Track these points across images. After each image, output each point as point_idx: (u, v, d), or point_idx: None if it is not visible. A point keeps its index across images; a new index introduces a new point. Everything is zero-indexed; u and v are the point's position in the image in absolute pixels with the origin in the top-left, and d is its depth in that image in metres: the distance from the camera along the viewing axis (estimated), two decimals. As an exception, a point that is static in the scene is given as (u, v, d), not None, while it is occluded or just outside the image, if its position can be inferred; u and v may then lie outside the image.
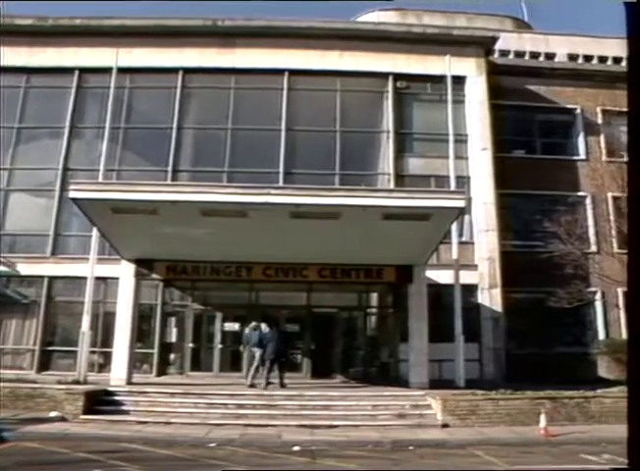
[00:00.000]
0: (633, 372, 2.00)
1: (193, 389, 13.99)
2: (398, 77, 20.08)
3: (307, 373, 17.68)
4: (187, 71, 19.82)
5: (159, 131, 19.54)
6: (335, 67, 19.68)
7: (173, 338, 18.50)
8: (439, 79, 19.71)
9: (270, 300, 18.60)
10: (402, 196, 12.04)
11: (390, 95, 20.02)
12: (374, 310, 20.05)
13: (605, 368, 19.95)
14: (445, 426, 12.42)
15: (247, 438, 10.95)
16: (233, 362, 17.96)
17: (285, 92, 19.77)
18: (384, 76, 20.08)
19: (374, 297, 19.88)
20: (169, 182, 17.97)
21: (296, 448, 10.15)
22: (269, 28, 19.76)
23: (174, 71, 19.73)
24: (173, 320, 18.72)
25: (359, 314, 19.47)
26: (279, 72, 19.79)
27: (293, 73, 19.83)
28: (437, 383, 15.40)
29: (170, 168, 19.04)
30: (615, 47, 24.70)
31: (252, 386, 14.74)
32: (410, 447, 10.54)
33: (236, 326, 18.23)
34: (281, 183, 17.96)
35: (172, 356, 18.33)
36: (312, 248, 14.49)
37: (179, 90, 19.74)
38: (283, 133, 19.44)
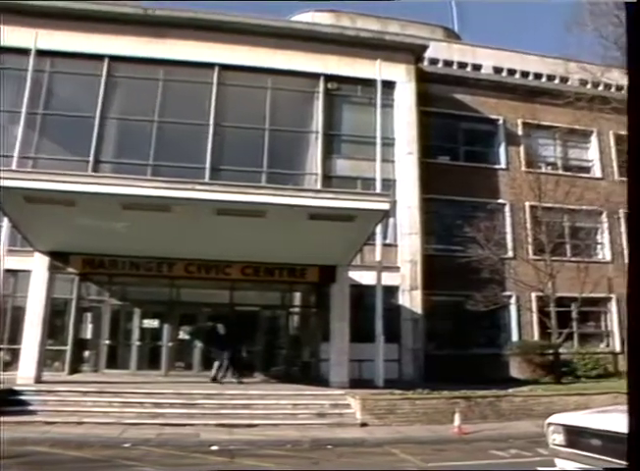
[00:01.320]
0: (633, 372, 2.05)
1: (108, 387, 13.51)
2: (329, 78, 20.17)
3: (228, 372, 17.45)
4: (114, 59, 19.05)
5: (81, 120, 18.66)
6: (266, 64, 19.50)
7: (88, 334, 17.76)
8: (369, 83, 20.01)
9: (192, 297, 18.23)
10: (329, 197, 12.08)
11: (320, 96, 20.09)
12: (297, 309, 20.08)
13: (516, 368, 20.86)
14: (363, 425, 12.58)
15: (164, 437, 10.71)
16: (151, 360, 17.51)
17: (215, 87, 19.41)
18: (315, 76, 20.11)
19: (297, 297, 19.91)
20: (90, 172, 17.24)
21: (215, 448, 10.03)
22: (200, 21, 19.32)
23: (99, 57, 18.90)
24: (89, 316, 17.97)
25: (282, 313, 19.45)
26: (209, 66, 19.41)
27: (224, 67, 19.50)
28: (357, 382, 15.56)
29: (91, 158, 18.26)
30: (537, 64, 25.83)
31: (215, 380, 15.47)
32: (329, 446, 10.63)
33: (155, 323, 17.80)
34: (207, 179, 17.63)
35: (86, 354, 17.60)
36: (236, 246, 14.33)
37: (104, 78, 18.94)
38: (211, 129, 19.10)
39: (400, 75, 20.83)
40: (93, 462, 8.71)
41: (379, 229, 16.07)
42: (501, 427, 12.80)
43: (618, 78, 21.94)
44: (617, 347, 22.84)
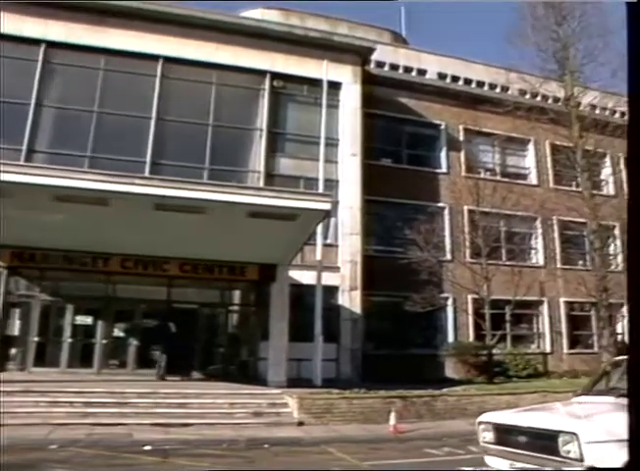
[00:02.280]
0: (633, 372, 2.07)
1: (35, 386, 12.97)
2: (275, 76, 20.05)
3: (164, 370, 17.10)
4: (52, 44, 18.28)
5: (14, 107, 17.77)
6: (212, 59, 19.20)
7: (15, 331, 17.00)
8: (315, 83, 20.04)
9: (128, 294, 17.70)
10: (270, 195, 12.00)
11: (266, 94, 19.94)
12: (236, 308, 19.85)
13: (452, 369, 21.33)
14: (300, 424, 12.60)
15: (94, 438, 10.39)
16: (83, 358, 16.93)
17: (158, 80, 18.96)
18: (261, 73, 19.94)
19: (237, 295, 19.68)
20: (22, 162, 16.51)
21: (148, 448, 9.82)
22: (143, 11, 18.80)
23: (35, 42, 18.07)
24: (17, 311, 17.21)
25: (221, 311, 19.23)
26: (153, 58, 18.92)
27: (169, 60, 19.07)
28: (295, 381, 15.56)
29: (25, 147, 17.47)
30: (480, 72, 26.51)
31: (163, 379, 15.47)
32: (265, 446, 10.59)
33: (88, 319, 17.26)
34: (147, 174, 17.20)
35: (13, 351, 16.81)
36: (175, 242, 14.08)
37: (40, 64, 18.13)
38: (153, 122, 18.62)
39: (347, 76, 20.95)
40: (14, 468, 8.28)
41: (320, 228, 16.12)
42: (435, 426, 13.05)
43: (556, 89, 22.79)
44: (548, 348, 23.70)
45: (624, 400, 7.02)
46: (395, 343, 20.33)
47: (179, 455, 9.43)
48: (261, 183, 18.45)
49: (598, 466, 5.51)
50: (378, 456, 9.99)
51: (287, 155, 19.80)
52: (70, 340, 17.00)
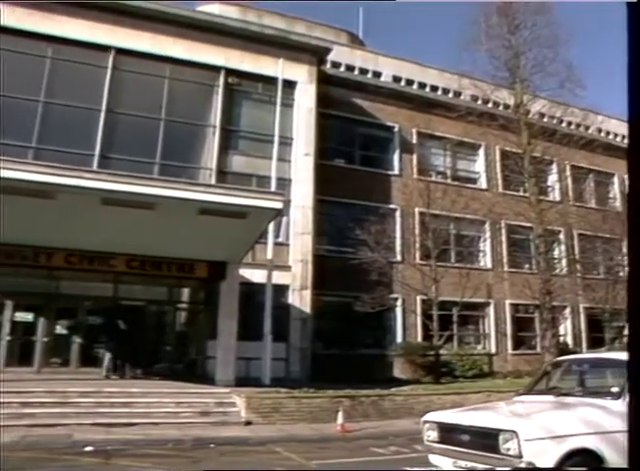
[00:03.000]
0: (633, 373, 2.07)
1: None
2: (230, 72, 19.82)
3: (109, 368, 16.72)
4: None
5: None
6: (166, 53, 18.83)
7: (-52, 328, 16.29)
8: (271, 81, 19.94)
9: (72, 290, 17.22)
10: (221, 193, 11.88)
11: (220, 90, 19.70)
12: (185, 306, 19.65)
13: (400, 369, 21.59)
14: (248, 423, 12.52)
15: (32, 439, 10.01)
16: (23, 356, 16.34)
17: (109, 71, 18.46)
18: (216, 69, 19.68)
19: (185, 293, 19.47)
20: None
21: (89, 448, 9.55)
22: (97, 1, 18.32)
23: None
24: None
25: (169, 309, 18.95)
26: (105, 48, 18.42)
27: (121, 52, 18.59)
28: (244, 381, 15.45)
29: (-38, 136, 16.74)
30: (434, 76, 26.89)
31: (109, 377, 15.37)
32: (212, 445, 10.47)
33: (29, 316, 16.68)
34: (95, 167, 16.75)
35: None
36: (123, 238, 13.76)
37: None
38: (103, 115, 18.13)
39: (303, 75, 20.92)
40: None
41: (271, 227, 16.10)
42: (383, 425, 13.16)
43: (506, 97, 23.38)
44: (493, 349, 24.26)
45: (563, 399, 7.29)
46: (344, 343, 20.43)
47: (121, 456, 9.22)
48: (213, 181, 18.22)
49: (533, 460, 5.71)
50: (325, 455, 9.98)
51: (240, 153, 19.63)
52: (8, 338, 16.37)
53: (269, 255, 17.27)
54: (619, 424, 6.41)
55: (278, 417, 12.96)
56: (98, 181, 11.28)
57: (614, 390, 7.07)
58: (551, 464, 5.76)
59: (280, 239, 19.06)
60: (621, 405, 6.65)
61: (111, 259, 15.34)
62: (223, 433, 11.52)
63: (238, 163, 19.42)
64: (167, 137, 18.54)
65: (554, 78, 21.74)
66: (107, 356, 16.23)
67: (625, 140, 32.02)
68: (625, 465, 6.20)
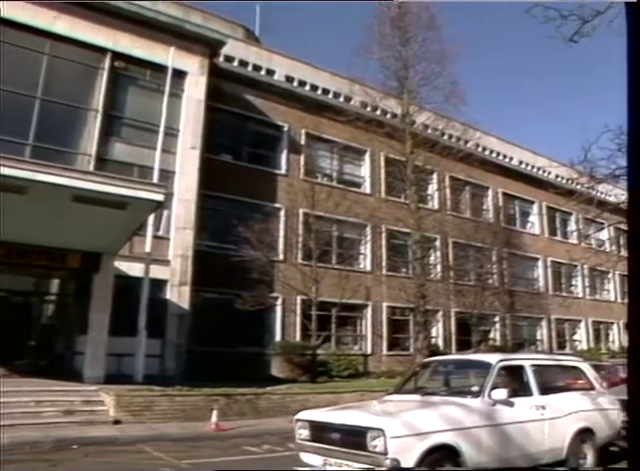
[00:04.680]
0: (633, 373, 2.07)
1: None
2: (117, 56, 18.85)
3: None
4: None
5: None
6: (47, 27, 17.57)
7: None
8: (160, 69, 19.29)
9: None
10: (99, 181, 11.28)
11: (105, 73, 18.68)
12: (53, 298, 18.47)
13: (277, 368, 21.70)
14: (117, 422, 12.13)
15: None
16: None
17: (-20, 41, 16.96)
18: (102, 51, 18.64)
19: (55, 284, 18.32)
20: None
21: None
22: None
23: None
24: None
25: (35, 301, 17.79)
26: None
27: (-3, 22, 17.16)
28: (115, 377, 14.84)
29: None
30: (327, 80, 27.21)
31: None
32: (75, 446, 10.01)
33: None
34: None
35: None
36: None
37: None
38: (-33, 87, 16.64)
39: (194, 66, 20.42)
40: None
41: (152, 220, 15.64)
42: (258, 424, 13.21)
43: (394, 106, 24.29)
44: (369, 350, 25.03)
45: (429, 398, 7.65)
46: (223, 341, 20.17)
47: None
48: (91, 168, 17.28)
49: (397, 457, 5.96)
50: (197, 455, 9.87)
51: (122, 140, 18.73)
52: None
53: (147, 248, 16.76)
54: (477, 420, 6.84)
55: (149, 416, 12.66)
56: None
57: (475, 389, 7.53)
58: (414, 460, 6.03)
59: (160, 233, 18.49)
60: (480, 403, 7.09)
61: (-29, 246, 14.11)
62: (88, 433, 11.05)
63: (119, 151, 18.55)
64: (42, 118, 17.25)
65: (439, 92, 22.96)
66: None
67: (500, 157, 34.43)
68: (482, 458, 6.66)
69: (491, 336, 30.38)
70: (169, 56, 19.17)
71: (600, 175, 21.02)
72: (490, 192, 32.87)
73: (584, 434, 8.21)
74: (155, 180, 16.64)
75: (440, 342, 27.48)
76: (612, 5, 7.03)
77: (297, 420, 7.41)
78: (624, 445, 9.54)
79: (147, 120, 19.00)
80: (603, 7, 7.15)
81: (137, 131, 18.99)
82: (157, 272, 17.57)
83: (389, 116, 25.73)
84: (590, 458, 8.28)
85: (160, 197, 11.71)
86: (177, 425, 12.46)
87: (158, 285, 18.05)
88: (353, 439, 6.37)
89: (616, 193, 25.21)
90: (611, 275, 37.29)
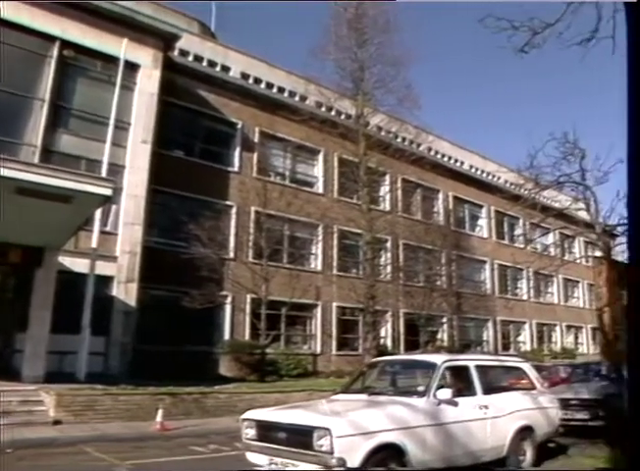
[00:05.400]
0: (633, 374, 2.04)
1: None
2: (67, 44, 18.26)
3: None
4: None
5: None
6: (-9, 12, 16.96)
7: None
8: (112, 60, 18.81)
9: None
10: (43, 173, 10.88)
11: (53, 62, 18.09)
12: (-9, 293, 17.76)
13: (226, 367, 21.52)
14: (57, 423, 11.79)
15: None
16: None
17: None
18: (51, 39, 18.04)
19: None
20: None
21: None
22: None
23: None
24: None
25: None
26: None
27: None
28: (56, 376, 14.36)
29: None
30: (282, 78, 27.13)
31: None
32: (9, 450, 9.52)
33: None
34: None
35: None
36: None
37: None
38: None
39: (147, 59, 20.00)
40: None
41: (99, 214, 15.23)
42: (204, 423, 13.09)
43: (349, 107, 24.44)
44: (318, 349, 25.07)
45: (376, 398, 7.71)
46: (171, 339, 19.84)
47: None
48: (36, 159, 16.72)
49: (343, 456, 5.98)
50: (140, 455, 9.70)
51: (70, 132, 18.16)
52: None
53: (94, 244, 16.29)
54: (422, 420, 6.93)
55: (92, 416, 12.36)
56: None
57: (420, 389, 7.63)
58: (360, 459, 6.07)
59: (108, 228, 18.03)
60: (425, 403, 7.18)
61: None
62: (25, 434, 10.62)
63: (67, 143, 17.99)
64: (-17, 107, 16.63)
65: (393, 95, 23.22)
66: None
67: (452, 161, 35.14)
68: (427, 457, 6.76)
69: (438, 336, 30.92)
70: (121, 47, 18.72)
71: (545, 181, 21.81)
72: (441, 195, 33.46)
73: (524, 432, 8.46)
74: (104, 173, 16.19)
75: (388, 343, 27.77)
76: (561, 18, 7.23)
77: (244, 419, 7.37)
78: (561, 442, 9.93)
79: (97, 112, 18.48)
80: (553, 19, 7.34)
81: (86, 124, 18.45)
82: (103, 268, 17.14)
83: (343, 117, 25.86)
84: (529, 455, 8.54)
85: (108, 192, 11.41)
86: (120, 425, 12.23)
87: (104, 281, 17.62)
88: (300, 438, 6.36)
89: (560, 199, 26.12)
90: (554, 278, 38.47)
